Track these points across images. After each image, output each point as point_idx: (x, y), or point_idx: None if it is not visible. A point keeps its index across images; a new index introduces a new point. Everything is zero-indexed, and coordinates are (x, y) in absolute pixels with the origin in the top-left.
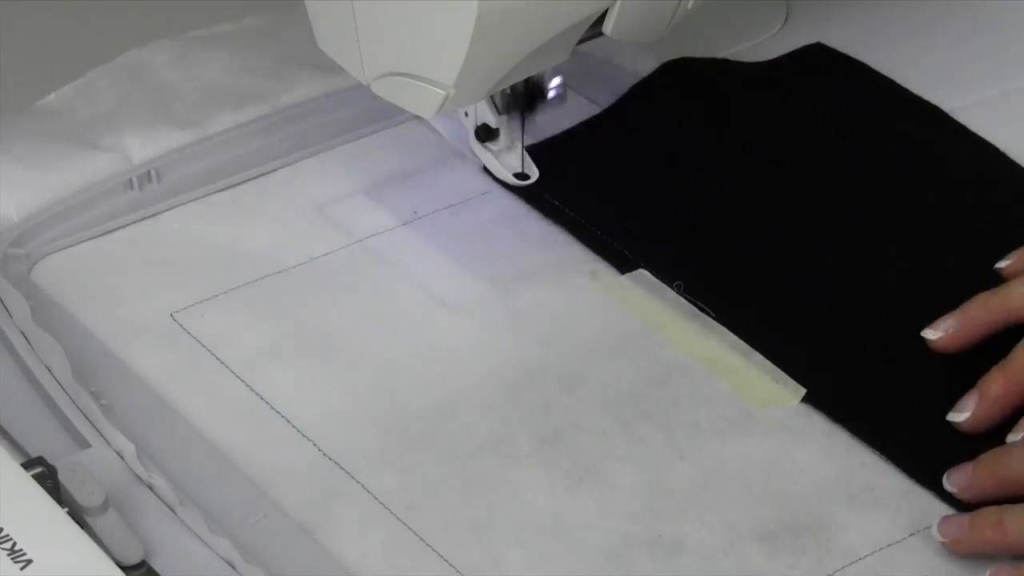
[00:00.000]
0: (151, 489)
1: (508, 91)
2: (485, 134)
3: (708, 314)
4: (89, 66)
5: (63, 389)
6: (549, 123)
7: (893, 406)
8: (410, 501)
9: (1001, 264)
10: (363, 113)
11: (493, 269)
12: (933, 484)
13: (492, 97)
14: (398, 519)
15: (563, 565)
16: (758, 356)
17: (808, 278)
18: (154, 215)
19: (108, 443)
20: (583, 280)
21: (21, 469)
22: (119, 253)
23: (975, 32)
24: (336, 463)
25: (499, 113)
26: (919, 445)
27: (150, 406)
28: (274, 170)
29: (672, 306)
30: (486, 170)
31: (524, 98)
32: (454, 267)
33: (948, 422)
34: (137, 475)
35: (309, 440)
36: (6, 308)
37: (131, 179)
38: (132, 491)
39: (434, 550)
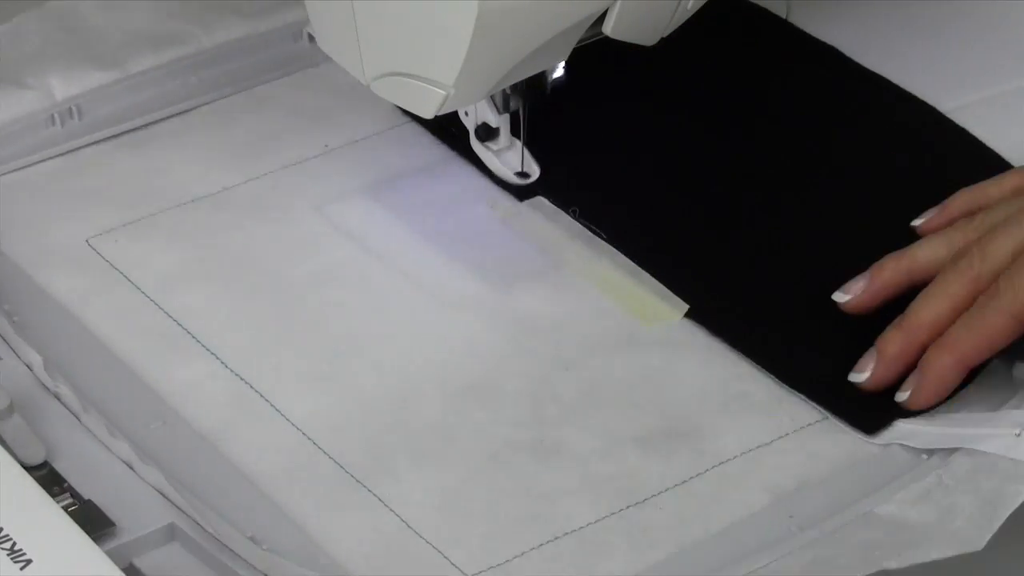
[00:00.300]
0: (57, 398)
1: (507, 89)
2: (485, 133)
3: (601, 237)
4: (18, 12)
5: None
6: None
7: (769, 319)
8: (310, 411)
9: (916, 222)
10: (281, 55)
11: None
12: (805, 391)
13: (492, 97)
14: (296, 428)
15: (448, 467)
16: (646, 276)
17: (704, 210)
18: (75, 149)
19: (17, 355)
20: (483, 209)
21: (21, 469)
22: (40, 184)
23: (975, 32)
24: (239, 376)
25: (499, 112)
26: (792, 354)
27: (61, 323)
28: (192, 108)
29: (567, 230)
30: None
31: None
32: (361, 196)
33: (821, 332)
34: (44, 385)
35: (214, 355)
36: None
37: (53, 115)
38: (39, 400)
39: (328, 455)
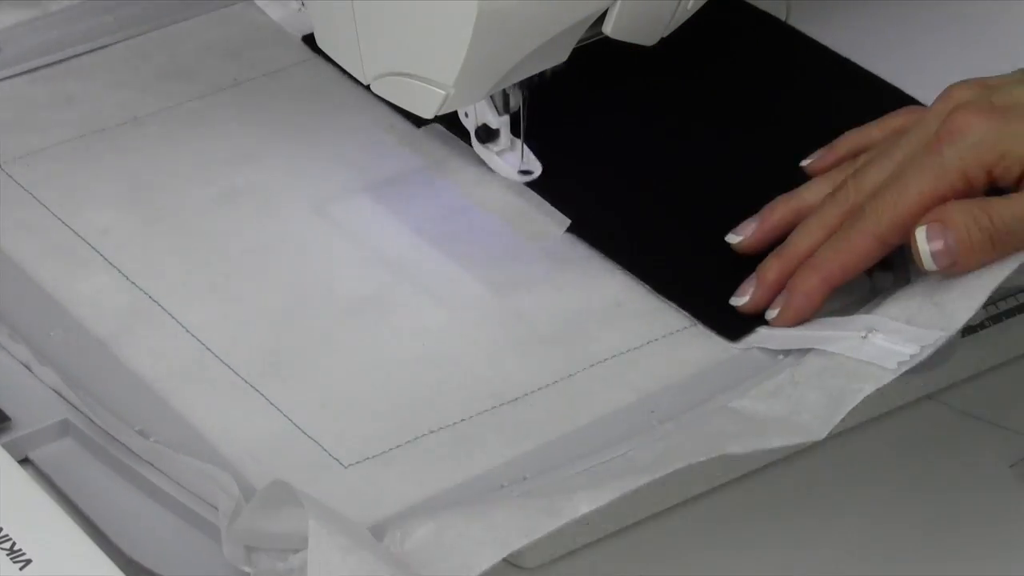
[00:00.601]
0: None
1: (507, 89)
2: (486, 135)
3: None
4: None
5: None
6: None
7: (646, 233)
8: (205, 320)
9: (805, 162)
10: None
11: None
12: (676, 300)
13: (492, 97)
14: (191, 334)
15: (332, 373)
16: (532, 193)
17: (591, 132)
18: None
19: None
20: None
21: (20, 468)
22: None
23: (975, 32)
24: (139, 287)
25: (499, 114)
26: (667, 266)
27: None
28: (108, 45)
29: (461, 155)
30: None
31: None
32: (269, 127)
33: (693, 243)
34: None
35: (116, 268)
36: None
37: None
38: None
39: (219, 358)
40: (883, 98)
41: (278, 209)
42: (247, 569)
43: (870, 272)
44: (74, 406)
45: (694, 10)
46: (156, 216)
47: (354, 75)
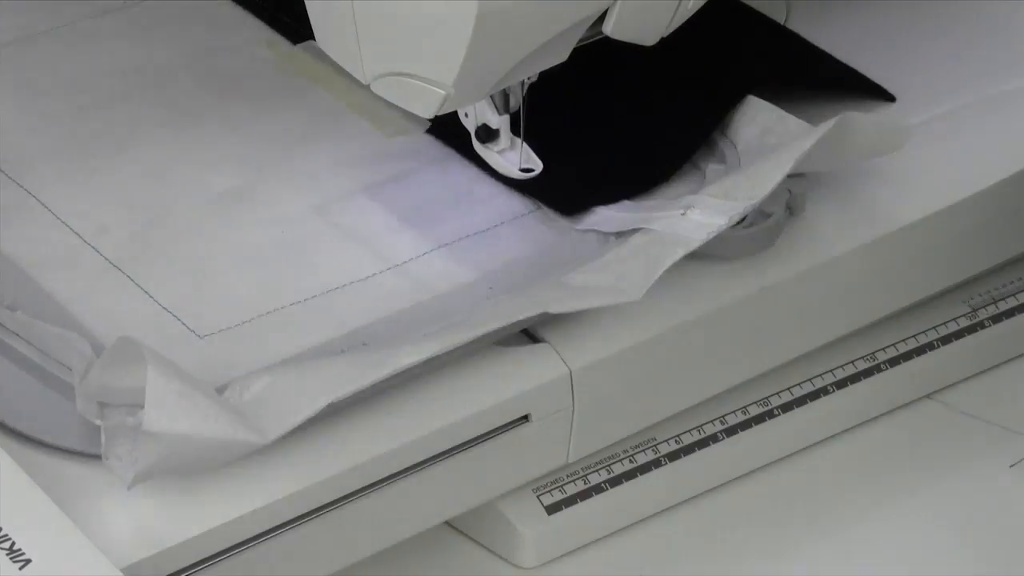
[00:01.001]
0: None
1: (507, 88)
2: (486, 135)
3: None
4: None
5: None
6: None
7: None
8: (78, 211)
9: None
10: None
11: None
12: (519, 186)
13: (492, 97)
14: (64, 223)
15: (198, 258)
16: None
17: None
18: None
19: None
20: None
21: (20, 469)
22: None
23: (975, 32)
24: (15, 181)
25: (499, 113)
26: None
27: None
28: None
29: (336, 71)
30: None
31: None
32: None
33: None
34: None
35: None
36: None
37: None
38: None
39: (90, 245)
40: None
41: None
42: (98, 422)
43: (703, 165)
44: None
45: (694, 10)
46: (41, 119)
47: (354, 75)
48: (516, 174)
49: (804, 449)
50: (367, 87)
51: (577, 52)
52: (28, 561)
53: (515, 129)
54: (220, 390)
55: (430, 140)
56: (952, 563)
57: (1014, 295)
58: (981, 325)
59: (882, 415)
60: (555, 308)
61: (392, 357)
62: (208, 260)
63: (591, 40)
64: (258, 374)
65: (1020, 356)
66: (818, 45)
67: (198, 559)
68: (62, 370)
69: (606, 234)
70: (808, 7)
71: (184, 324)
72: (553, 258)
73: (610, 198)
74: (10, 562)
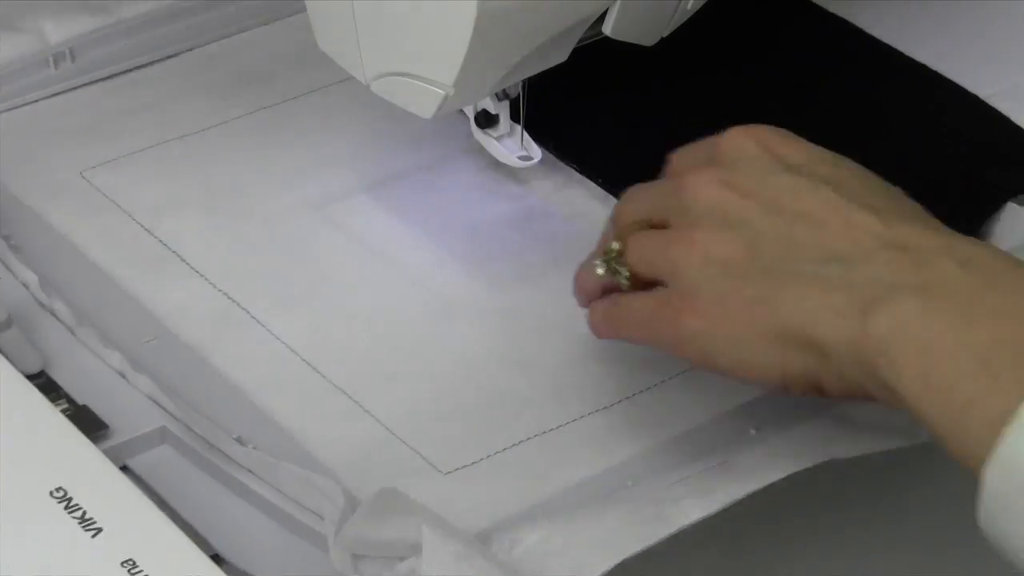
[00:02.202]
0: (52, 314)
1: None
2: (485, 120)
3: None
4: None
5: None
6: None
7: None
8: (295, 328)
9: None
10: (263, 5)
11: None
12: None
13: None
14: (282, 342)
15: (424, 379)
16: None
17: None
18: (69, 90)
19: (14, 275)
20: None
21: (121, 473)
22: (36, 123)
23: (976, 31)
24: (227, 295)
25: (499, 99)
26: None
27: (55, 247)
28: (179, 53)
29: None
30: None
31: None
32: (352, 131)
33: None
34: (39, 302)
35: (202, 276)
36: None
37: (48, 58)
38: (36, 316)
39: (310, 365)
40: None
41: (365, 220)
42: None
43: None
44: (171, 414)
45: (694, 10)
46: (238, 222)
47: (354, 75)
48: (514, 162)
49: None
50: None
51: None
52: (100, 530)
53: (515, 116)
54: (482, 540)
55: None
56: (951, 563)
57: None
58: None
59: None
60: (844, 453)
61: (675, 509)
62: (432, 379)
63: (591, 40)
64: (527, 526)
65: None
66: None
67: None
68: (306, 514)
69: None
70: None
71: (424, 459)
72: None
73: None
74: (82, 530)
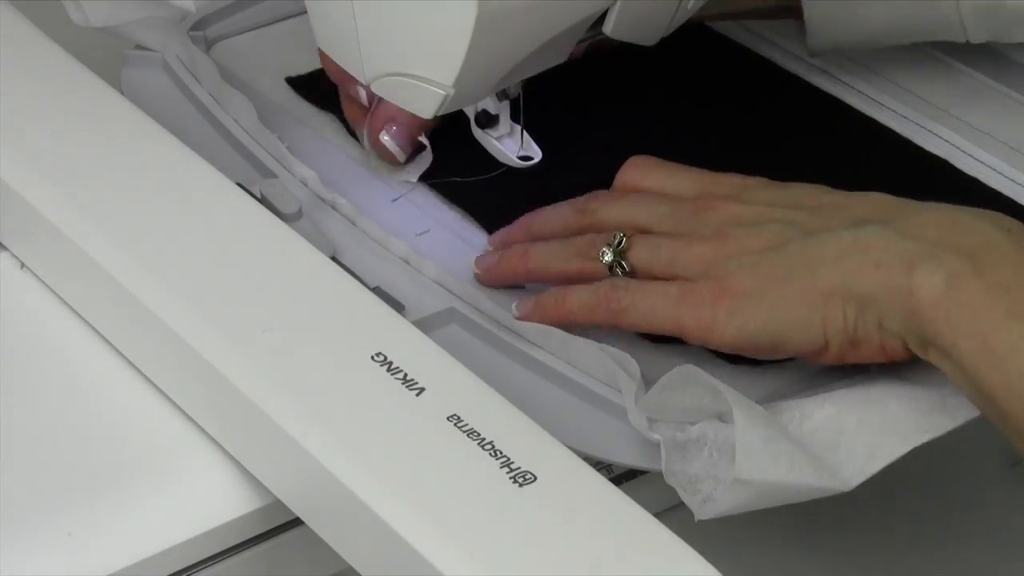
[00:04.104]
0: (333, 207)
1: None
2: (485, 120)
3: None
4: None
5: (249, 134)
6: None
7: None
8: None
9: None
10: None
11: None
12: None
13: None
14: None
15: None
16: None
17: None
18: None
19: (292, 173)
20: None
21: (397, 315)
22: (280, 41)
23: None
24: None
25: (499, 99)
26: None
27: (322, 151)
28: None
29: None
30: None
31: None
32: None
33: None
34: (320, 196)
35: None
36: (193, 75)
37: None
38: (316, 209)
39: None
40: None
41: None
42: (654, 436)
43: None
44: (457, 295)
45: (694, 10)
46: None
47: (354, 75)
48: (515, 162)
49: None
50: None
51: None
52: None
53: (515, 116)
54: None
55: None
56: (951, 563)
57: None
58: None
59: None
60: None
61: (956, 398)
62: None
63: (591, 40)
64: (817, 400)
65: None
66: None
67: None
68: (596, 384)
69: None
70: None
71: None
72: None
73: None
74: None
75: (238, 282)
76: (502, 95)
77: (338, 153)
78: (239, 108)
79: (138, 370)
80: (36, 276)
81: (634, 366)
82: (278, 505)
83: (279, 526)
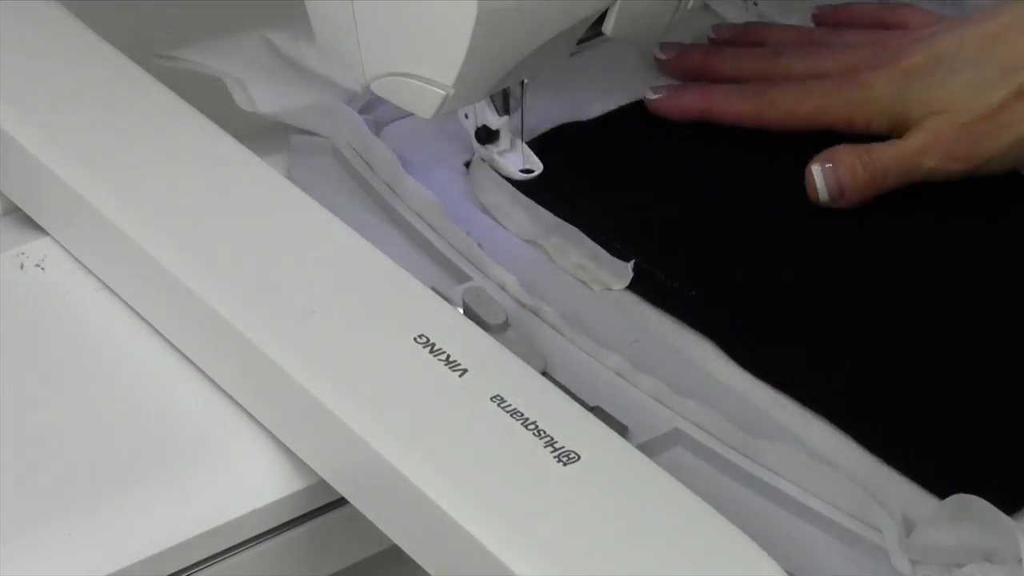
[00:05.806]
0: (536, 314)
1: (507, 89)
2: (486, 136)
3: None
4: None
5: (436, 231)
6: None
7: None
8: None
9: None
10: None
11: None
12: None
13: (492, 98)
14: None
15: None
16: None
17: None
18: None
19: (487, 276)
20: None
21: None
22: (456, 126)
23: None
24: None
25: (499, 114)
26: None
27: (519, 249)
28: None
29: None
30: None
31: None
32: None
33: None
34: (521, 302)
35: None
36: (367, 163)
37: None
38: (517, 317)
39: None
40: None
41: None
42: None
43: None
44: (682, 416)
45: (694, 10)
46: None
47: (354, 75)
48: (517, 175)
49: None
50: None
51: None
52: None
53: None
54: None
55: None
56: None
57: None
58: None
59: None
60: None
61: None
62: None
63: (591, 40)
64: None
65: None
66: None
67: None
68: (849, 520)
69: None
70: None
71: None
72: None
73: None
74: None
75: (281, 267)
76: (503, 109)
77: (531, 250)
78: (422, 202)
79: (182, 353)
80: (81, 263)
81: (894, 500)
82: (322, 485)
83: (323, 505)
